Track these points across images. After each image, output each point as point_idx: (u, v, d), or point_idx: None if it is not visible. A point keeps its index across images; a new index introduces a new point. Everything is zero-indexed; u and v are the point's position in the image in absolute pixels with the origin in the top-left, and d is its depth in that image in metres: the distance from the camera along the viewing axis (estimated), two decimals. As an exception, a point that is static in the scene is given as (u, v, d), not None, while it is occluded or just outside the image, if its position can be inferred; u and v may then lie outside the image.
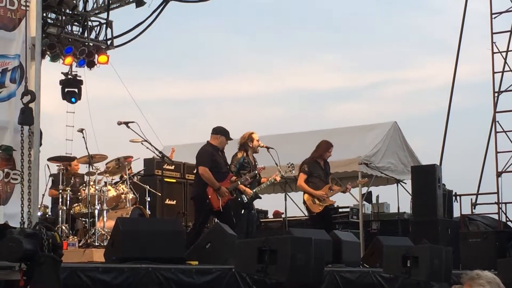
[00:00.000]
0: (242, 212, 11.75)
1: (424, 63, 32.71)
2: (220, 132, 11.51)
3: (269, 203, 17.37)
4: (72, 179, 12.50)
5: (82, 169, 12.65)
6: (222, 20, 30.35)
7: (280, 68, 32.63)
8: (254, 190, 11.88)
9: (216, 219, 11.54)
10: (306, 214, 13.81)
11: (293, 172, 12.62)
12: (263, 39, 32.50)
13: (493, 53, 18.36)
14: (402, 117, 30.72)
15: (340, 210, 16.47)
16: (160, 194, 13.13)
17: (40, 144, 7.03)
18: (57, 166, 12.52)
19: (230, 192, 11.32)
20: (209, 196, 11.13)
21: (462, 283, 4.69)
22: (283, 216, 16.10)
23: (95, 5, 15.29)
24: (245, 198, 11.68)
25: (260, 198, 12.36)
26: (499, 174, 17.52)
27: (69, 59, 14.46)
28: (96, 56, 14.76)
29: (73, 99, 15.24)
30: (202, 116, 31.06)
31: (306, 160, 12.95)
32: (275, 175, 12.05)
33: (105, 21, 15.01)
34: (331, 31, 32.24)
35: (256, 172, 11.91)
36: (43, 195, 12.71)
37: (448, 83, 19.48)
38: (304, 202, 12.82)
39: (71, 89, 15.26)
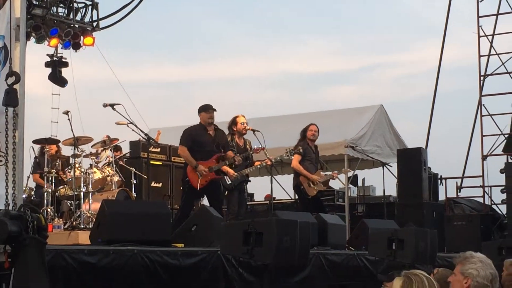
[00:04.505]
0: (226, 193, 11.76)
1: (412, 47, 32.73)
2: (199, 109, 11.53)
3: (255, 186, 17.38)
4: (58, 161, 12.45)
5: (68, 151, 12.62)
6: (212, 2, 30.26)
7: (270, 52, 32.59)
8: (243, 172, 11.87)
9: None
10: (294, 197, 13.84)
11: (292, 157, 12.58)
12: (253, 22, 32.48)
13: (479, 36, 18.37)
14: (390, 101, 30.82)
15: (326, 193, 16.48)
16: (146, 177, 13.11)
17: None
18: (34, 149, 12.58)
19: (216, 172, 11.29)
20: (188, 175, 11.15)
21: (455, 264, 4.72)
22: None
23: (80, -14, 15.19)
24: (228, 180, 11.66)
25: (249, 181, 12.37)
26: (484, 158, 17.56)
27: (54, 41, 14.34)
28: (82, 38, 14.66)
29: (65, 84, 15.11)
30: (190, 99, 30.97)
31: (300, 142, 12.97)
32: (267, 159, 12.05)
33: (90, 2, 14.90)
34: (322, 15, 32.23)
35: (250, 152, 11.89)
36: (28, 177, 12.68)
37: (435, 66, 19.51)
38: (300, 184, 12.77)
39: (57, 71, 15.17)
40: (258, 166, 12.31)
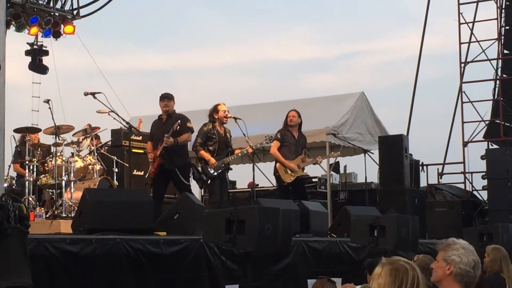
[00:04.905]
0: (209, 182, 11.76)
1: (392, 34, 32.81)
2: None
3: (238, 174, 17.41)
4: (39, 150, 12.40)
5: (49, 140, 12.57)
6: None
7: (252, 39, 32.64)
8: (225, 161, 11.86)
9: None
10: (275, 184, 13.85)
11: (271, 144, 12.64)
12: (235, 10, 32.42)
13: (459, 24, 18.43)
14: (371, 88, 30.87)
15: (308, 180, 16.48)
16: (127, 165, 13.08)
17: None
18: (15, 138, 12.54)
19: (160, 157, 11.56)
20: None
21: (438, 251, 4.73)
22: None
23: (60, -26, 15.08)
24: (210, 169, 11.69)
25: (231, 169, 12.36)
26: (465, 144, 17.65)
27: (34, 29, 14.25)
28: (62, 26, 14.57)
29: (46, 71, 15.03)
30: (172, 87, 30.88)
31: (281, 128, 13.02)
32: (248, 147, 12.04)
33: (71, -10, 14.83)
34: (303, 3, 32.25)
35: (177, 126, 11.78)
36: (9, 166, 12.63)
37: (416, 53, 19.57)
38: (276, 171, 12.83)
39: (37, 60, 15.08)
40: (240, 154, 12.30)
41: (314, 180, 16.99)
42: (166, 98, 11.80)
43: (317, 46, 32.41)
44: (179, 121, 11.64)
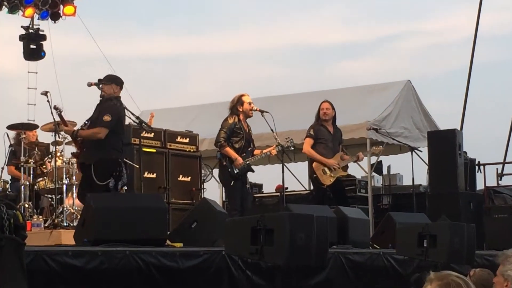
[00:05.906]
0: (232, 183, 11.74)
1: (442, 13, 32.68)
2: None
3: (264, 176, 17.41)
4: (36, 149, 12.47)
5: (48, 137, 12.64)
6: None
7: (277, 21, 32.53)
8: (246, 162, 11.87)
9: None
10: (309, 187, 13.88)
11: (291, 148, 12.57)
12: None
13: (522, -1, 18.38)
14: (417, 75, 30.78)
15: (346, 183, 16.47)
16: (137, 166, 13.12)
17: None
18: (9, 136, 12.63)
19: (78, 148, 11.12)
20: None
21: (498, 263, 4.74)
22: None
23: None
24: (235, 169, 11.66)
25: (253, 171, 12.38)
26: (529, 140, 17.59)
27: (30, 11, 14.36)
28: (61, 6, 14.66)
29: (42, 54, 15.07)
30: (187, 76, 31.02)
31: (313, 124, 13.01)
32: (272, 148, 12.04)
33: (70, -34, 14.91)
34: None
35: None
36: (2, 168, 12.72)
37: (470, 35, 19.51)
38: (313, 172, 12.80)
39: (33, 45, 15.16)
40: (262, 155, 12.26)
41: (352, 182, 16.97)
42: (102, 81, 10.86)
43: (352, 27, 32.33)
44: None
